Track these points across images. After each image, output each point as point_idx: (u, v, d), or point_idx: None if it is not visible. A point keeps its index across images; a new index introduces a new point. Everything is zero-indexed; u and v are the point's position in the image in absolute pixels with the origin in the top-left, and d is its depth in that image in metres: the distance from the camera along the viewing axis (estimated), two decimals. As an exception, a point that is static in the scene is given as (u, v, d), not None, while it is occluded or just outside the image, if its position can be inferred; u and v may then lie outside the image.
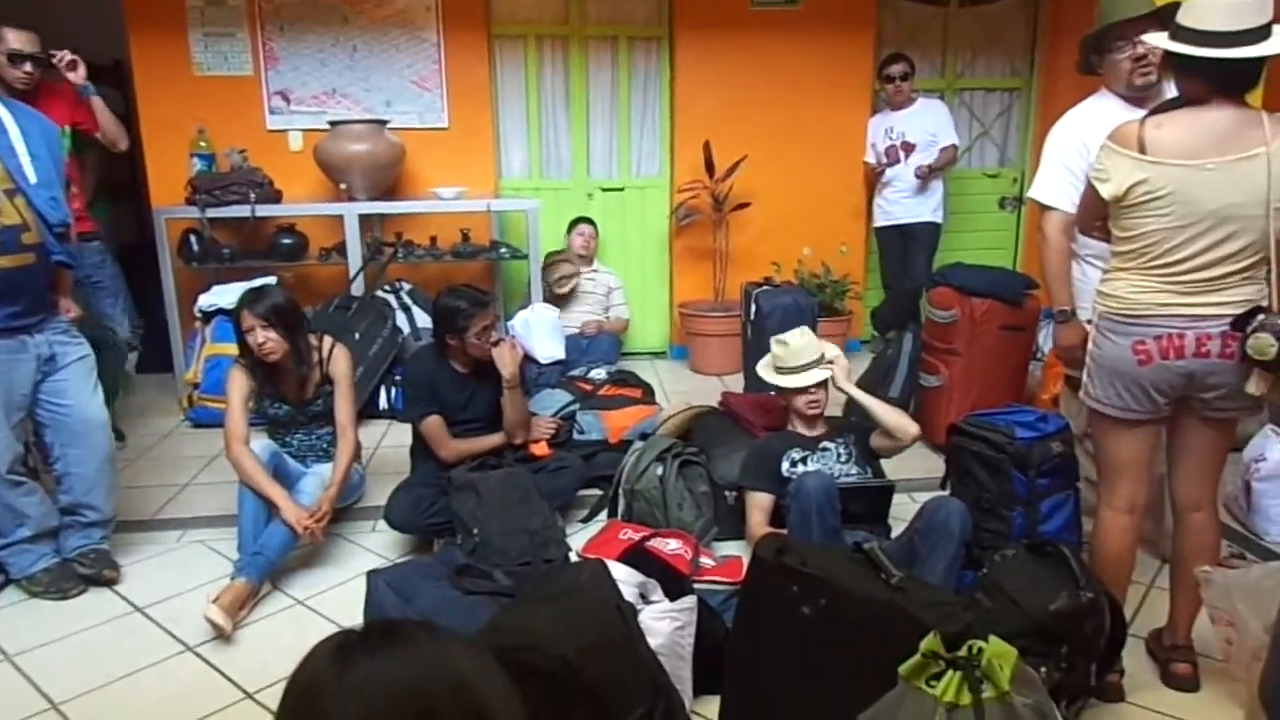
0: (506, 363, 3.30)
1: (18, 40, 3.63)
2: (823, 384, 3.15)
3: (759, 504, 3.06)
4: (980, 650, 1.67)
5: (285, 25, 5.17)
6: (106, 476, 3.07)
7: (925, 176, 5.27)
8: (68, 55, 3.80)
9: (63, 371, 2.92)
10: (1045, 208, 2.75)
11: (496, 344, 3.32)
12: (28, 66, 3.65)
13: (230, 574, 2.91)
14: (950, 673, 1.64)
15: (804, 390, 3.12)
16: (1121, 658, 2.33)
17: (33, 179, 2.78)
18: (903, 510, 3.10)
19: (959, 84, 6.02)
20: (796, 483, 2.83)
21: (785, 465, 3.06)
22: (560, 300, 5.24)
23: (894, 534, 2.93)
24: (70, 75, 3.86)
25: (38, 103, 3.58)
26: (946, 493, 2.84)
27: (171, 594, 2.98)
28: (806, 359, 3.14)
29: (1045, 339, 4.23)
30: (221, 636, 2.69)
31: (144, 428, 4.44)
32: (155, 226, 4.72)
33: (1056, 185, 2.73)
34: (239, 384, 3.16)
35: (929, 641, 1.69)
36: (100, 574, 3.02)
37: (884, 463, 3.23)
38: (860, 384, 3.69)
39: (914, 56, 5.41)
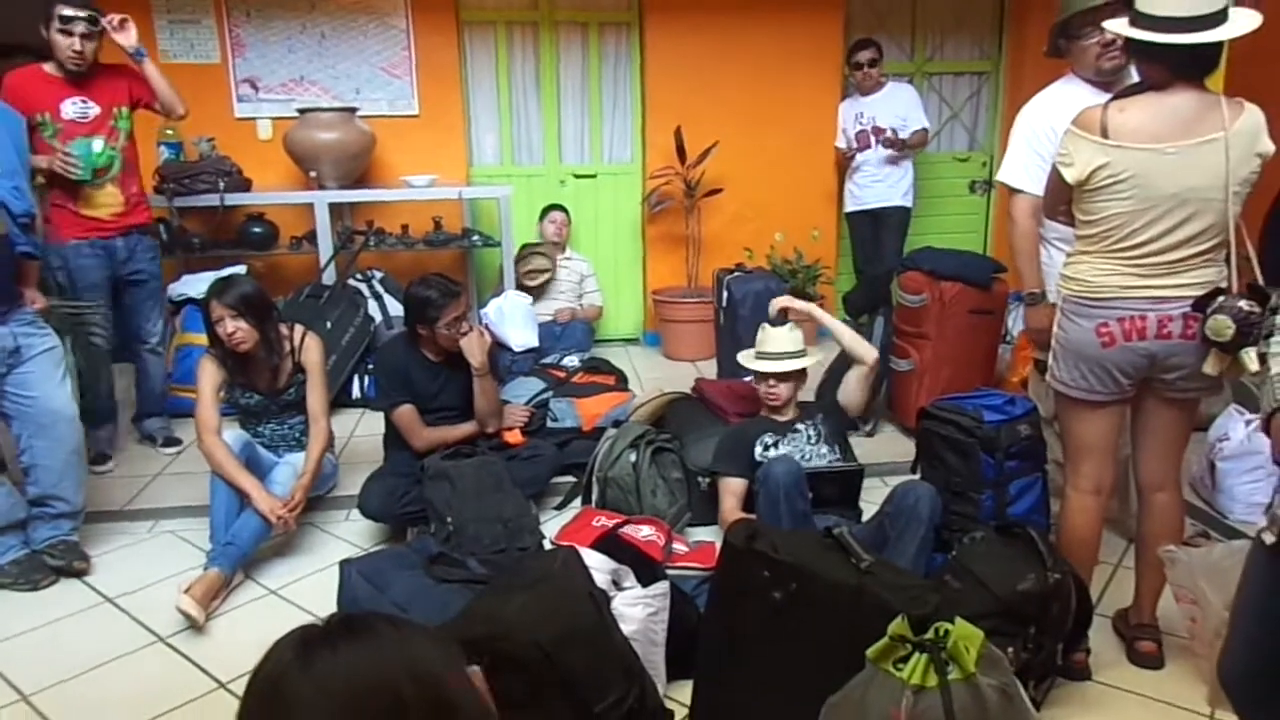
0: (474, 352, 3.29)
1: (70, 8, 3.34)
2: (789, 380, 3.14)
3: (732, 489, 3.07)
4: (947, 633, 1.69)
5: (252, 11, 5.11)
6: (74, 468, 3.04)
7: (894, 145, 5.20)
8: (115, 16, 3.44)
9: (28, 364, 2.89)
10: (1014, 191, 2.77)
11: (465, 334, 3.31)
12: (77, 45, 3.34)
13: (203, 564, 2.90)
14: (917, 655, 1.67)
15: (765, 378, 3.14)
16: (1088, 636, 2.37)
17: (-5, 169, 2.73)
18: (874, 494, 3.13)
19: (928, 68, 6.04)
20: (764, 469, 2.85)
21: (758, 450, 3.07)
22: (533, 289, 5.22)
23: (865, 518, 2.95)
24: (119, 38, 3.49)
25: (95, 82, 3.51)
26: (917, 476, 2.87)
27: (143, 585, 2.96)
28: (777, 348, 3.14)
29: (1014, 322, 4.27)
30: (194, 627, 2.68)
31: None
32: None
33: (1025, 169, 2.74)
34: (209, 374, 3.14)
35: (896, 625, 1.72)
36: (70, 565, 3.00)
37: (855, 447, 3.26)
38: (832, 367, 3.73)
39: (882, 40, 5.41)
